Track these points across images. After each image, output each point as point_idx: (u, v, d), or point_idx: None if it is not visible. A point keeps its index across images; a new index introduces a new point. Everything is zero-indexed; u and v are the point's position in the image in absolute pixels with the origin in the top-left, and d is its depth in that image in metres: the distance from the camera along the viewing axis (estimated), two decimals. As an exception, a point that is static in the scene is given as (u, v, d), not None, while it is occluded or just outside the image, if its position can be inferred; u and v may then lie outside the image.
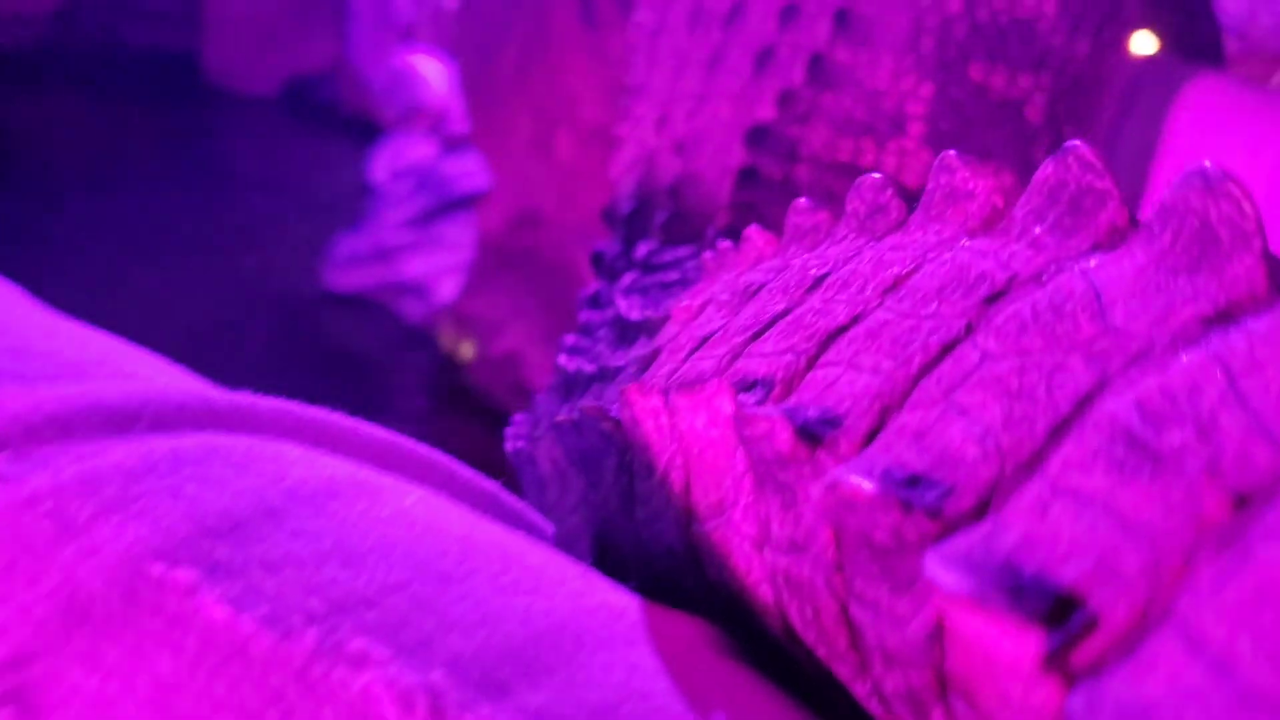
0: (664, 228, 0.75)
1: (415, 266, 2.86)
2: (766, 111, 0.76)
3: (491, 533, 0.43)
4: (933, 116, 0.78)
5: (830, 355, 0.36)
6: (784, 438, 0.34)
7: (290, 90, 4.54)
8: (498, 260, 2.62)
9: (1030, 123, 0.81)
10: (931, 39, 0.80)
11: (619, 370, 0.54)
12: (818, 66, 0.78)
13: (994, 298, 0.33)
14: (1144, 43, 0.96)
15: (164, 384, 0.46)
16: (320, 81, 4.54)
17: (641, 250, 0.76)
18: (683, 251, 0.72)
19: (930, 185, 0.40)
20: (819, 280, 0.41)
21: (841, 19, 0.80)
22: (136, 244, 3.04)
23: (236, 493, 0.40)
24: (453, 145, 3.59)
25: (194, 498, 0.39)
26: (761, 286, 0.46)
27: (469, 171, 3.24)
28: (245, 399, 0.46)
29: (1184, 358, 0.26)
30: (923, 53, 0.80)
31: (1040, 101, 0.81)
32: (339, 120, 4.25)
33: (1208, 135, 0.89)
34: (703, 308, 0.50)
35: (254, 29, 4.67)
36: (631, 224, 0.79)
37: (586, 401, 0.52)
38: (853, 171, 0.78)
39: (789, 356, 0.38)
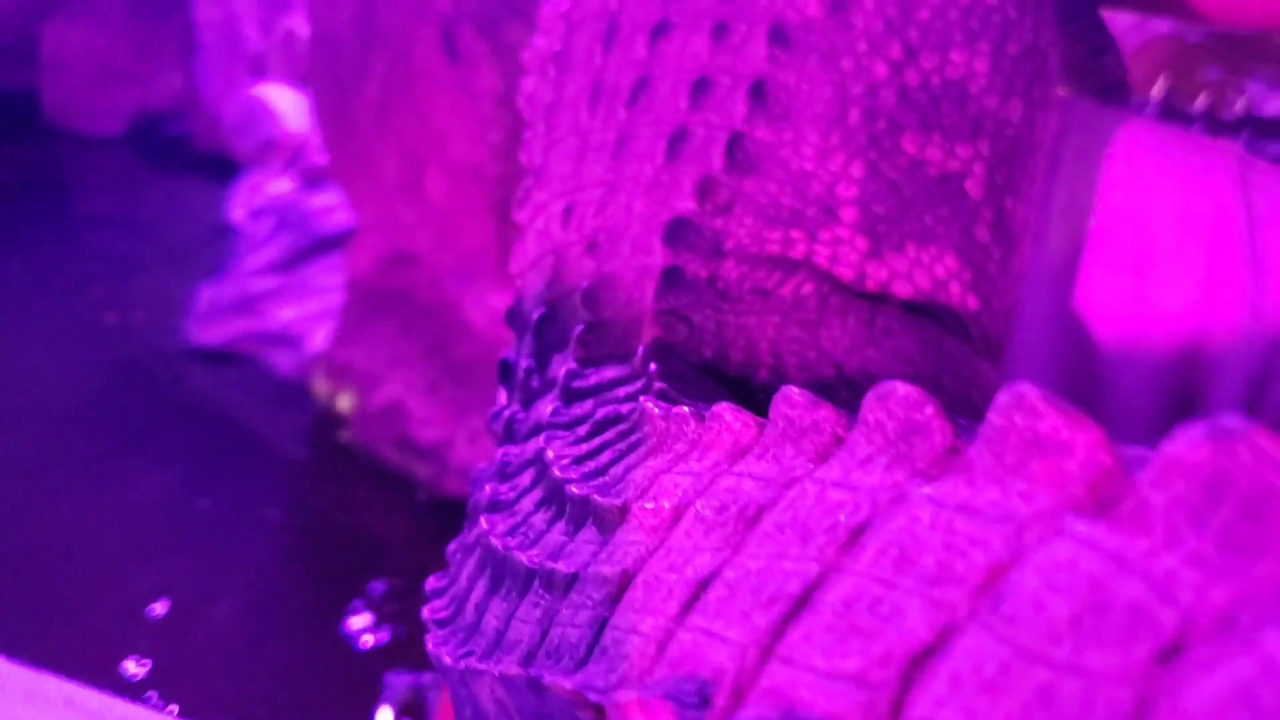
0: (582, 341, 0.66)
1: (283, 314, 2.72)
2: (685, 203, 0.69)
3: None
4: (866, 199, 0.71)
5: (926, 707, 0.28)
6: None
7: (137, 128, 4.34)
8: (371, 304, 2.51)
9: (971, 198, 0.74)
10: (858, 110, 0.74)
11: (569, 582, 0.45)
12: (737, 148, 0.71)
13: (1167, 655, 0.25)
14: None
15: None
16: (168, 117, 4.35)
17: (558, 368, 0.67)
18: (609, 373, 0.64)
19: (999, 422, 0.32)
20: (858, 533, 0.33)
21: (758, 92, 0.73)
22: (-21, 302, 2.86)
23: None
24: (312, 179, 3.45)
25: None
26: (762, 510, 0.38)
27: (331, 207, 3.11)
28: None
29: None
30: (850, 126, 0.73)
31: (980, 173, 0.75)
32: (191, 158, 4.07)
33: (1144, 189, 0.84)
34: (677, 517, 0.42)
35: (94, 64, 4.45)
36: (543, 333, 0.71)
37: (543, 665, 0.43)
38: (784, 264, 0.71)
39: (861, 692, 0.29)
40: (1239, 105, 1.22)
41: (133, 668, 2.02)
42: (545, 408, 0.64)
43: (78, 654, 2.07)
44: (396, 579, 2.04)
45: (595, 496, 0.48)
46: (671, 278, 0.67)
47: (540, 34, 0.87)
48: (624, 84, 0.77)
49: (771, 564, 0.35)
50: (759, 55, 0.74)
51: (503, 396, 0.75)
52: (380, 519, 2.18)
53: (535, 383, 0.68)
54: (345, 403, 2.49)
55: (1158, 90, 1.24)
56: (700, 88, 0.74)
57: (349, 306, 2.58)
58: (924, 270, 0.72)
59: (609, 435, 0.56)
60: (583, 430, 0.59)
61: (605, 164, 0.75)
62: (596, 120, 0.77)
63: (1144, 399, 0.79)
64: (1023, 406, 0.31)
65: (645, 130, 0.75)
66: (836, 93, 0.74)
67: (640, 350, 0.63)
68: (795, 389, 0.40)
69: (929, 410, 0.34)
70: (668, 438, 0.49)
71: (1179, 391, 0.78)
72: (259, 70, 4.07)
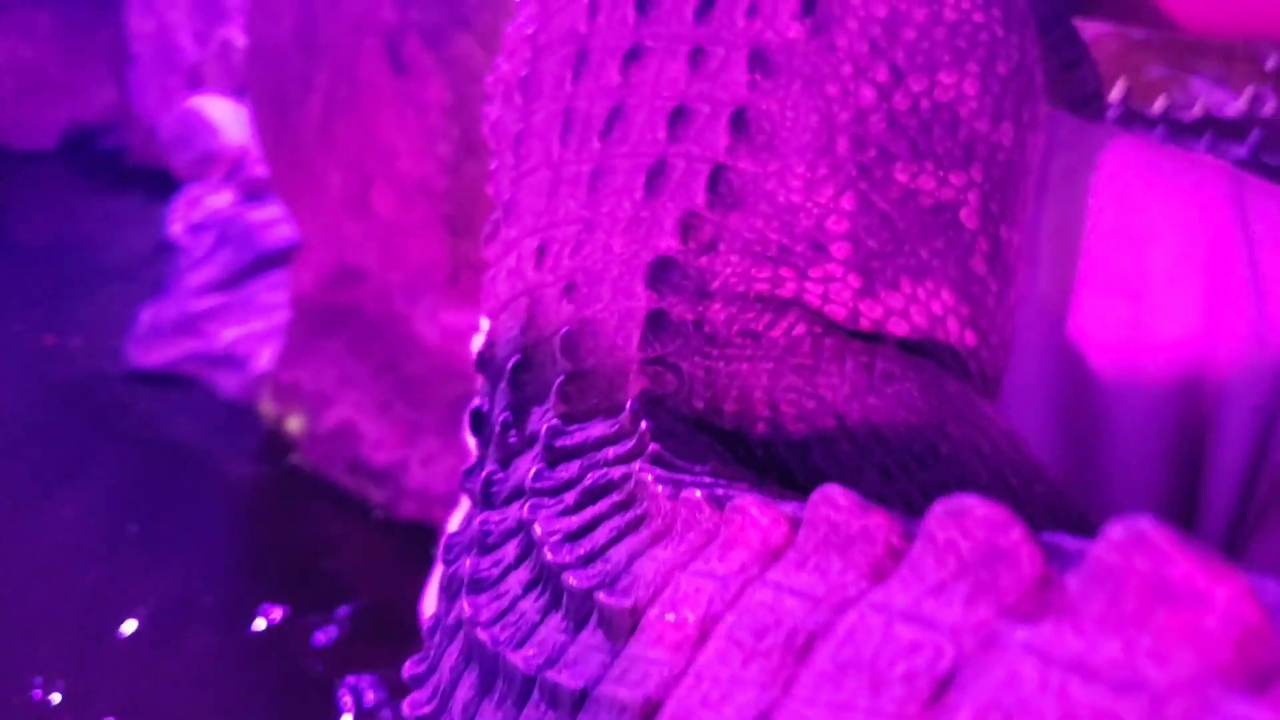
0: (563, 393, 0.62)
1: (227, 334, 2.65)
2: (667, 241, 0.65)
3: None
4: (858, 233, 0.68)
5: None
6: None
7: (69, 142, 4.23)
8: (317, 322, 2.44)
9: (966, 228, 0.71)
10: (846, 138, 0.70)
11: (577, 700, 0.41)
12: (719, 181, 0.67)
13: None
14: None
15: None
16: (102, 131, 4.25)
17: (539, 423, 0.62)
18: (595, 430, 0.59)
19: (1113, 561, 0.27)
20: (944, 686, 0.28)
21: (739, 121, 0.69)
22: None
23: None
24: (252, 193, 3.38)
25: None
26: (814, 639, 0.33)
27: (273, 220, 3.04)
28: None
29: None
30: (839, 155, 0.70)
31: (975, 201, 0.71)
32: (126, 172, 3.98)
33: (1136, 209, 0.81)
34: (704, 633, 0.37)
35: (22, 76, 4.33)
36: (520, 383, 0.66)
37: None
38: (774, 304, 0.67)
39: None
40: (1197, 107, 1.20)
41: (78, 693, 1.95)
42: (527, 468, 0.60)
43: (12, 681, 2.00)
44: (355, 607, 1.98)
45: (601, 596, 0.43)
46: (657, 322, 0.63)
47: (504, 58, 0.82)
48: (597, 113, 0.73)
49: (837, 717, 0.31)
50: (739, 81, 0.70)
51: (475, 448, 0.71)
52: (335, 545, 2.12)
53: (513, 438, 0.64)
54: (294, 425, 2.42)
55: (1116, 93, 1.22)
56: (678, 117, 0.69)
57: (294, 324, 2.52)
58: (920, 307, 0.68)
59: (601, 507, 0.51)
60: (570, 498, 0.54)
61: (580, 199, 0.70)
62: (569, 152, 0.73)
63: (1146, 434, 0.76)
64: (1147, 547, 0.26)
65: (622, 163, 0.70)
66: (822, 120, 0.70)
67: (629, 405, 0.58)
68: (838, 488, 0.35)
69: (1015, 534, 0.29)
70: (676, 522, 0.44)
71: (1183, 424, 0.75)
72: (195, 81, 3.99)
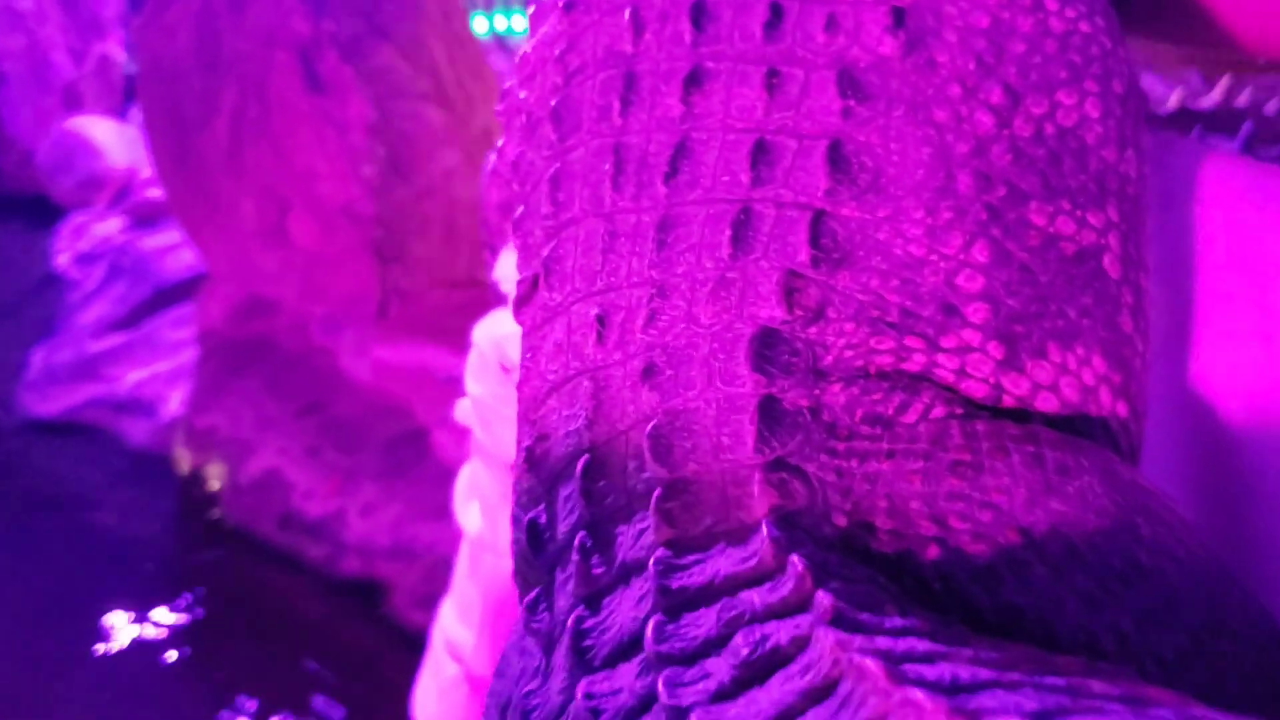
0: (664, 513, 0.49)
1: (130, 377, 2.46)
2: (769, 309, 0.53)
3: None
4: (995, 291, 0.57)
5: None
6: None
7: (-63, 168, 4.01)
8: (229, 359, 2.28)
9: (1111, 278, 0.60)
10: (968, 174, 0.59)
11: None
12: (822, 232, 0.55)
13: None
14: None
15: None
16: (-27, 156, 4.03)
17: (632, 548, 0.50)
18: (721, 564, 0.47)
19: None
20: None
21: (836, 158, 0.57)
22: None
23: None
24: (144, 218, 3.19)
25: None
26: None
27: (169, 247, 2.86)
28: None
29: None
30: (961, 196, 0.59)
31: (1116, 245, 0.61)
32: (1, 200, 3.76)
33: (1249, 236, 0.71)
34: None
35: (-118, 101, 4.08)
36: (593, 493, 0.53)
37: None
38: (901, 382, 0.55)
39: None
40: (1173, 99, 1.13)
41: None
42: (630, 614, 0.46)
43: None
44: (300, 684, 1.83)
45: None
46: (770, 414, 0.51)
47: (521, 83, 0.68)
48: (656, 150, 0.60)
49: None
50: (828, 109, 0.58)
51: (526, 565, 0.57)
52: (273, 611, 1.95)
53: (599, 568, 0.50)
54: (213, 475, 2.25)
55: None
56: (760, 154, 0.57)
57: (204, 363, 2.35)
58: (1071, 378, 0.57)
59: (782, 694, 0.39)
60: (722, 672, 0.41)
61: (647, 256, 0.57)
62: (624, 198, 0.60)
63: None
64: None
65: (695, 211, 0.58)
66: (936, 153, 0.58)
67: (764, 531, 0.46)
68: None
69: None
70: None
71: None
72: (72, 101, 3.80)
